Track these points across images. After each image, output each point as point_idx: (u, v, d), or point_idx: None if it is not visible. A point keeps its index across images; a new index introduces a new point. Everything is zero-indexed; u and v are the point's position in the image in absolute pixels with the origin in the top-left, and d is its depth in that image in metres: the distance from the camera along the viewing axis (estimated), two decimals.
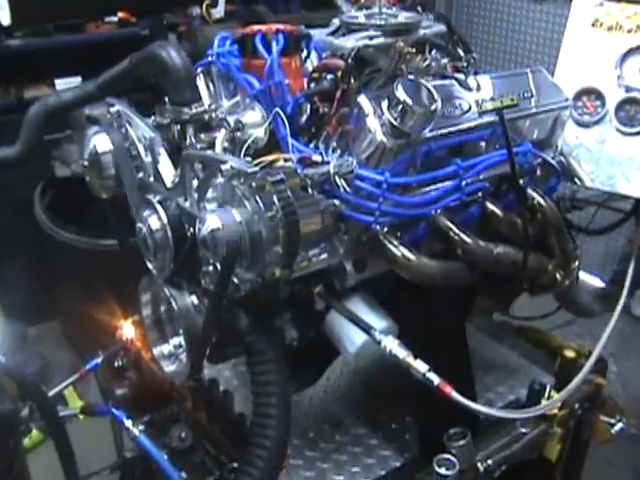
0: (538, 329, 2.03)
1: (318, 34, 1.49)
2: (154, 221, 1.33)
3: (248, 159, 1.22)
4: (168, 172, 1.37)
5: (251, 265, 1.17)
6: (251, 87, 1.30)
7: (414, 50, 1.40)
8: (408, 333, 1.37)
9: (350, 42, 1.43)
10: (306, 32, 1.38)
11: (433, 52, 1.52)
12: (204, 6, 3.43)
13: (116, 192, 1.51)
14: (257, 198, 1.13)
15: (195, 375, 1.43)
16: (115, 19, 3.41)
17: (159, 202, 1.33)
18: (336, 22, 1.55)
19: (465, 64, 1.54)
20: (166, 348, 1.53)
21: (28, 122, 1.65)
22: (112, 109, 1.50)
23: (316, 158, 1.22)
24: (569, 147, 1.63)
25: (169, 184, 1.37)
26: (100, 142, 1.48)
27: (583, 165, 1.62)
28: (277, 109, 1.25)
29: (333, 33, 1.51)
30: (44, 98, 1.67)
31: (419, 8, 2.24)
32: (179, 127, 1.38)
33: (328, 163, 1.22)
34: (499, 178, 1.43)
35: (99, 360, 1.88)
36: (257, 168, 1.12)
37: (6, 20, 2.90)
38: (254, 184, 1.13)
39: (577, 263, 1.58)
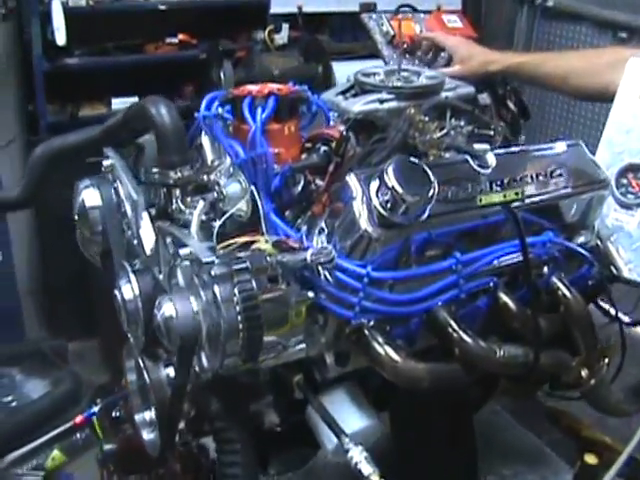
0: (571, 415, 1.83)
1: (328, 93, 1.37)
2: (127, 290, 1.24)
3: (211, 244, 1.10)
4: (149, 238, 1.28)
5: (210, 356, 1.07)
6: (236, 155, 1.19)
7: (427, 118, 1.25)
8: (400, 425, 1.23)
9: (357, 106, 1.29)
10: (304, 95, 1.25)
11: (453, 119, 1.36)
12: (267, 31, 3.36)
13: (103, 249, 1.44)
14: (216, 288, 1.03)
15: (165, 452, 1.34)
16: (176, 40, 3.38)
17: (133, 271, 1.25)
18: (350, 78, 1.42)
19: (492, 133, 1.38)
20: (148, 415, 1.45)
21: (31, 165, 1.59)
22: (105, 162, 1.42)
23: (293, 243, 1.09)
24: (607, 230, 1.44)
25: (148, 251, 1.27)
26: (89, 196, 1.41)
27: (621, 252, 1.43)
28: (251, 187, 1.13)
29: (345, 92, 1.38)
30: (49, 140, 1.61)
31: None
32: (165, 190, 1.29)
33: (306, 249, 1.09)
34: (515, 267, 1.26)
35: (96, 409, 1.81)
36: (213, 258, 1.01)
37: (62, 40, 2.90)
38: (213, 272, 1.02)
39: (607, 360, 1.39)
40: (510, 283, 1.29)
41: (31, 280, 3.49)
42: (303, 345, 1.15)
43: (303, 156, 1.20)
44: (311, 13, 3.48)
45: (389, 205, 1.07)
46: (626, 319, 1.42)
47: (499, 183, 1.21)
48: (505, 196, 1.11)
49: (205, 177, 1.27)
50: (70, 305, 3.41)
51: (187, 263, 1.10)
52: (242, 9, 3.47)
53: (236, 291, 1.02)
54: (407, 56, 2.02)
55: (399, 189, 1.05)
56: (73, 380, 3.19)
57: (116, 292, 1.28)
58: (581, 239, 1.38)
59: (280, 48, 3.43)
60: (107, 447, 1.69)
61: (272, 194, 1.18)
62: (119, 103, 3.32)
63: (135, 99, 3.36)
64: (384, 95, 1.32)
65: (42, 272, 3.50)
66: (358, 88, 1.37)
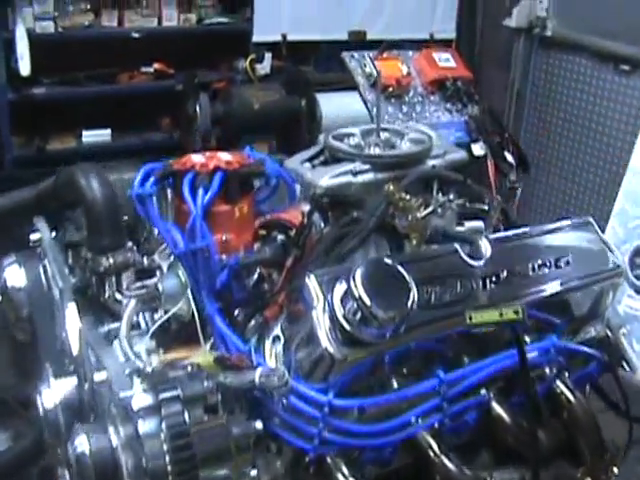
0: None
1: (293, 160, 1.16)
2: (48, 397, 1.03)
3: (135, 364, 0.89)
4: (75, 335, 1.07)
5: None
6: (174, 244, 0.98)
7: (408, 196, 1.04)
8: None
9: (326, 179, 1.08)
10: (260, 168, 1.05)
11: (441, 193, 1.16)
12: (248, 61, 3.15)
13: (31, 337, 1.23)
14: (139, 422, 0.81)
15: None
16: (151, 70, 3.18)
17: (54, 375, 1.04)
18: (320, 142, 1.21)
19: (485, 207, 1.17)
20: None
21: None
22: (33, 236, 1.21)
23: (239, 360, 0.88)
24: (619, 318, 1.24)
25: (75, 351, 1.06)
26: (13, 276, 1.20)
27: (635, 345, 1.22)
28: (188, 291, 0.92)
29: (313, 158, 1.17)
30: None
31: (464, 98, 1.91)
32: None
33: (255, 368, 0.88)
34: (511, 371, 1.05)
35: None
36: (129, 394, 0.80)
37: (26, 70, 2.70)
38: (135, 406, 0.81)
39: (615, 470, 1.19)
40: (504, 388, 1.08)
41: None
42: (255, 472, 0.93)
43: (257, 245, 0.99)
44: (296, 42, 3.29)
45: (357, 317, 0.86)
46: None
47: (494, 279, 1.00)
48: (502, 315, 0.90)
49: (145, 261, 1.07)
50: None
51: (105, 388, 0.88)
52: (223, 37, 3.27)
53: (164, 426, 0.82)
54: (392, 101, 1.83)
55: (368, 302, 0.83)
56: (37, 432, 2.96)
57: (37, 397, 1.07)
58: (590, 332, 1.18)
59: (262, 79, 3.23)
60: None
61: (217, 292, 0.97)
62: (90, 136, 3.12)
63: (107, 131, 3.17)
64: (358, 165, 1.11)
65: None
66: (328, 154, 1.16)
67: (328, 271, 0.91)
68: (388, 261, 0.88)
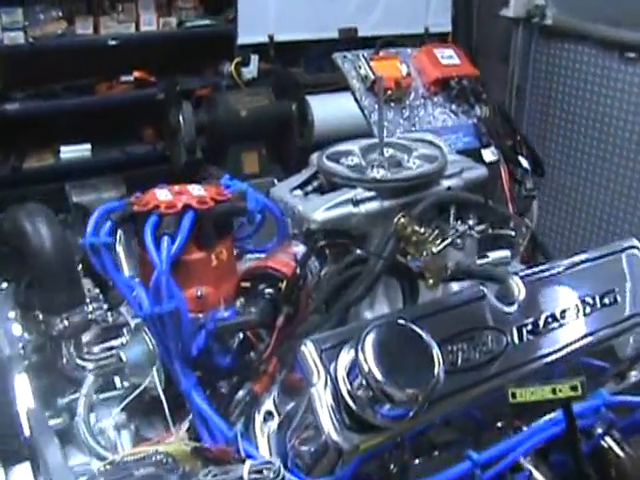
0: None
1: (281, 188, 0.97)
2: None
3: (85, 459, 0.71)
4: (25, 414, 0.88)
5: None
6: (139, 306, 0.79)
7: (422, 229, 0.86)
8: None
9: (320, 212, 0.90)
10: (239, 205, 0.86)
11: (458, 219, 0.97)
12: (234, 65, 2.96)
13: None
14: None
15: None
16: (131, 78, 2.98)
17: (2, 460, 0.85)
18: (313, 163, 1.02)
19: (512, 233, 0.99)
20: None
21: None
22: None
23: (221, 452, 0.70)
24: None
25: (26, 430, 0.88)
26: None
27: None
28: (154, 369, 0.73)
29: (305, 185, 0.98)
30: None
31: (471, 99, 1.73)
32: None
33: (243, 462, 0.69)
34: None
35: None
36: None
37: None
38: None
39: None
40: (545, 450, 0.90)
41: None
42: None
43: (240, 300, 0.80)
44: (284, 42, 3.10)
45: (367, 395, 0.68)
46: None
47: (531, 327, 0.82)
48: (555, 392, 0.71)
49: (110, 317, 0.89)
50: None
51: None
52: (206, 40, 3.07)
53: None
54: (392, 105, 1.65)
55: (380, 378, 0.65)
56: None
57: None
58: (637, 376, 1.00)
59: (249, 83, 3.04)
60: None
61: (194, 359, 0.78)
62: (69, 152, 2.92)
63: (87, 146, 2.97)
64: (360, 192, 0.92)
65: None
66: (323, 179, 0.98)
67: (329, 335, 0.72)
68: (403, 322, 0.69)
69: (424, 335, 0.69)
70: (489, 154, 1.62)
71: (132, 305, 0.80)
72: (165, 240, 0.74)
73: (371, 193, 0.93)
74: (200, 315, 0.80)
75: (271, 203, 0.93)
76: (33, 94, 2.87)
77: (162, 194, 0.81)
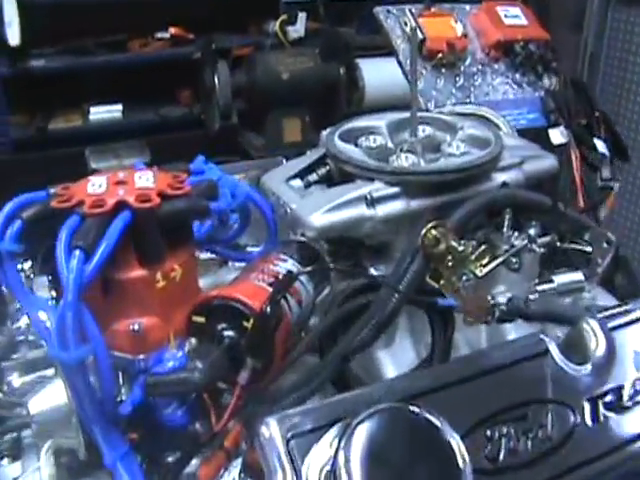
0: None
1: (275, 177, 0.72)
2: None
3: None
4: None
5: None
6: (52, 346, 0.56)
7: (461, 246, 0.61)
8: None
9: (320, 213, 0.65)
10: (199, 204, 0.61)
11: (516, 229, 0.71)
12: (278, 23, 2.73)
13: None
14: None
15: None
16: (167, 35, 2.79)
17: None
18: (323, 142, 0.77)
19: (589, 248, 0.73)
20: None
21: None
22: None
23: None
24: None
25: None
26: None
27: None
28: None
29: (306, 173, 0.73)
30: None
31: (539, 67, 1.45)
32: None
33: None
34: None
35: None
36: None
37: (15, 39, 2.32)
38: None
39: None
40: None
41: None
42: None
43: (189, 343, 0.56)
44: None
45: None
46: None
47: (612, 399, 0.56)
48: None
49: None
50: None
51: None
52: None
53: None
54: (443, 71, 1.38)
55: None
56: None
57: None
58: None
59: (295, 43, 2.81)
60: None
61: (123, 421, 0.55)
62: (98, 113, 2.75)
63: (118, 107, 2.80)
64: (378, 187, 0.67)
65: None
66: (333, 166, 0.73)
67: (305, 412, 0.48)
68: (415, 409, 0.44)
69: (446, 431, 0.44)
70: (558, 135, 1.34)
71: (43, 338, 0.57)
72: (76, 257, 0.51)
73: (394, 189, 0.67)
74: (141, 356, 0.56)
75: (260, 197, 0.68)
76: (61, 50, 2.70)
77: (96, 184, 0.58)
